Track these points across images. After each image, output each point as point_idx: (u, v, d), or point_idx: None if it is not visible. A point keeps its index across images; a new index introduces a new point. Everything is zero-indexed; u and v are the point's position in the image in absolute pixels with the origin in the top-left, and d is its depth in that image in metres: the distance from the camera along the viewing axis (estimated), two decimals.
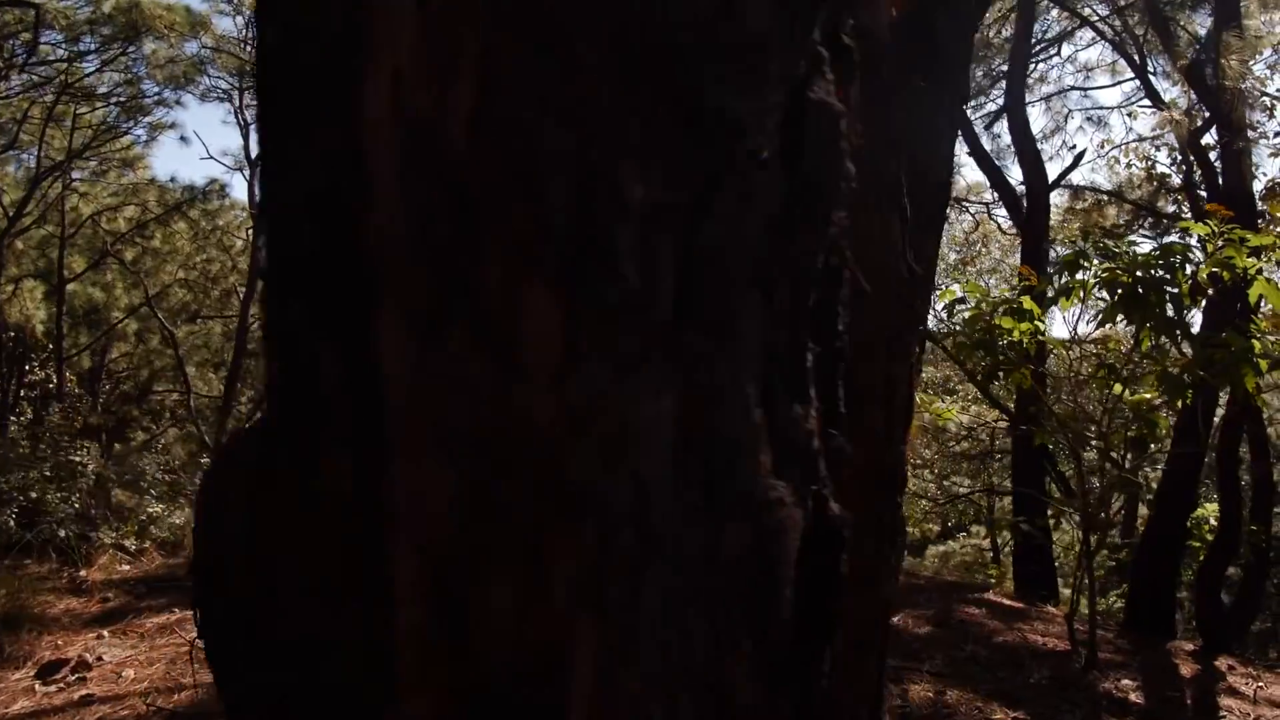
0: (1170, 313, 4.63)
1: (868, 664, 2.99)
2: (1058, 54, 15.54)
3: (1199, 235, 4.36)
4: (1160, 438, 6.52)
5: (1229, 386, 5.18)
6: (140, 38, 14.01)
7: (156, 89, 16.49)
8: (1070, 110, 16.97)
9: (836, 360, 0.87)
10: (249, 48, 18.42)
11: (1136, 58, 12.35)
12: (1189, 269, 4.41)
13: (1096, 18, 13.02)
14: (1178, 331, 4.85)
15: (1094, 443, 6.29)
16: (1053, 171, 15.82)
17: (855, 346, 2.63)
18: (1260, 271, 4.59)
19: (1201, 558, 9.55)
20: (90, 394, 23.28)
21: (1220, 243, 4.30)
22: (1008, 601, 7.51)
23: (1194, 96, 7.39)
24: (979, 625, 6.40)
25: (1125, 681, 5.40)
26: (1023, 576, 9.18)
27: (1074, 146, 24.57)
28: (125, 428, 24.93)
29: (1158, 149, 11.71)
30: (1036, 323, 5.21)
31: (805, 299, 0.74)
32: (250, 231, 19.09)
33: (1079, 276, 4.98)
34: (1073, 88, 16.63)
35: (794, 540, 0.69)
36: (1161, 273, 4.47)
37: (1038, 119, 41.63)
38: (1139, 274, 4.43)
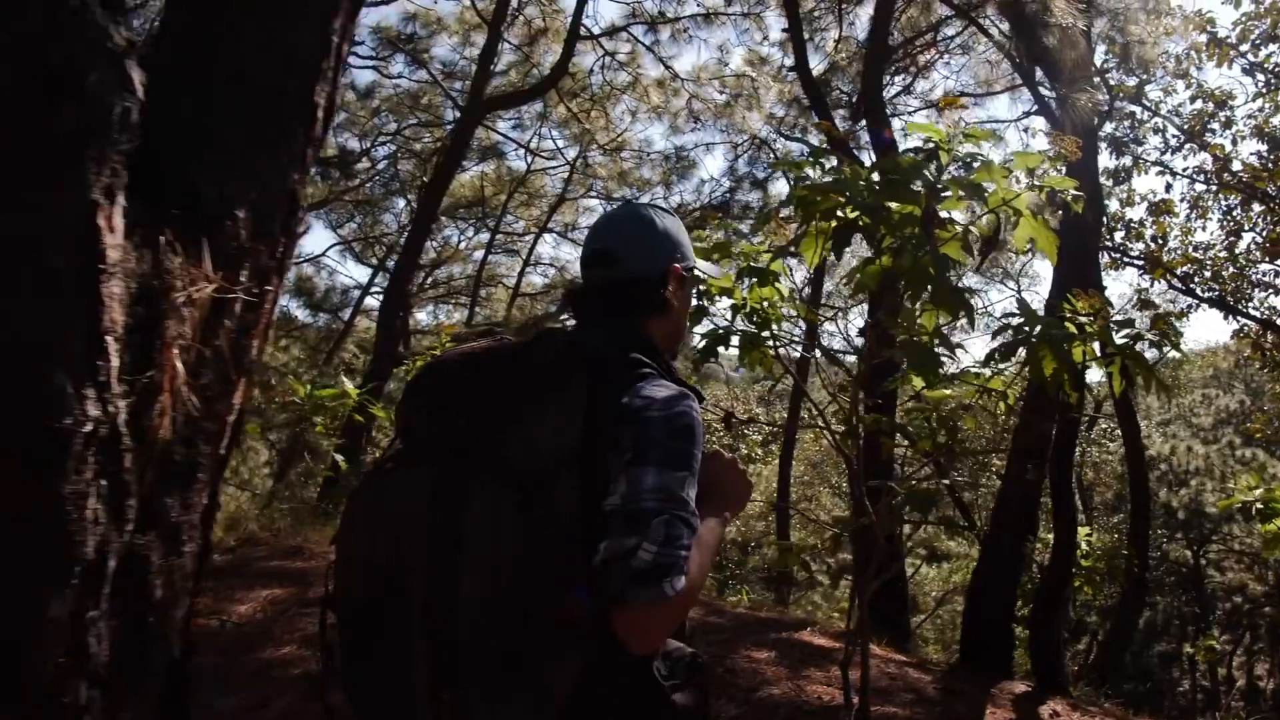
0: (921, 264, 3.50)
1: None
2: (942, 58, 14.67)
3: (929, 141, 3.22)
4: (966, 442, 5.41)
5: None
6: None
7: None
8: (966, 125, 16.09)
9: None
10: None
11: (1025, 63, 11.45)
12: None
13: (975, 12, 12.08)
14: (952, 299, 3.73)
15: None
16: None
17: None
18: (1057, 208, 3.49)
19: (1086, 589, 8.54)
20: None
21: (962, 152, 3.17)
22: (821, 642, 6.32)
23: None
24: (751, 674, 5.20)
25: None
26: (874, 613, 8.03)
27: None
28: None
29: (1059, 169, 10.80)
30: (779, 286, 4.05)
31: None
32: None
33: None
34: (963, 94, 15.79)
35: None
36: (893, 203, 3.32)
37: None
38: (864, 199, 3.27)
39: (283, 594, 5.34)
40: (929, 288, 3.64)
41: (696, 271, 1.78)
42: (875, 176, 3.39)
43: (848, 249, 3.69)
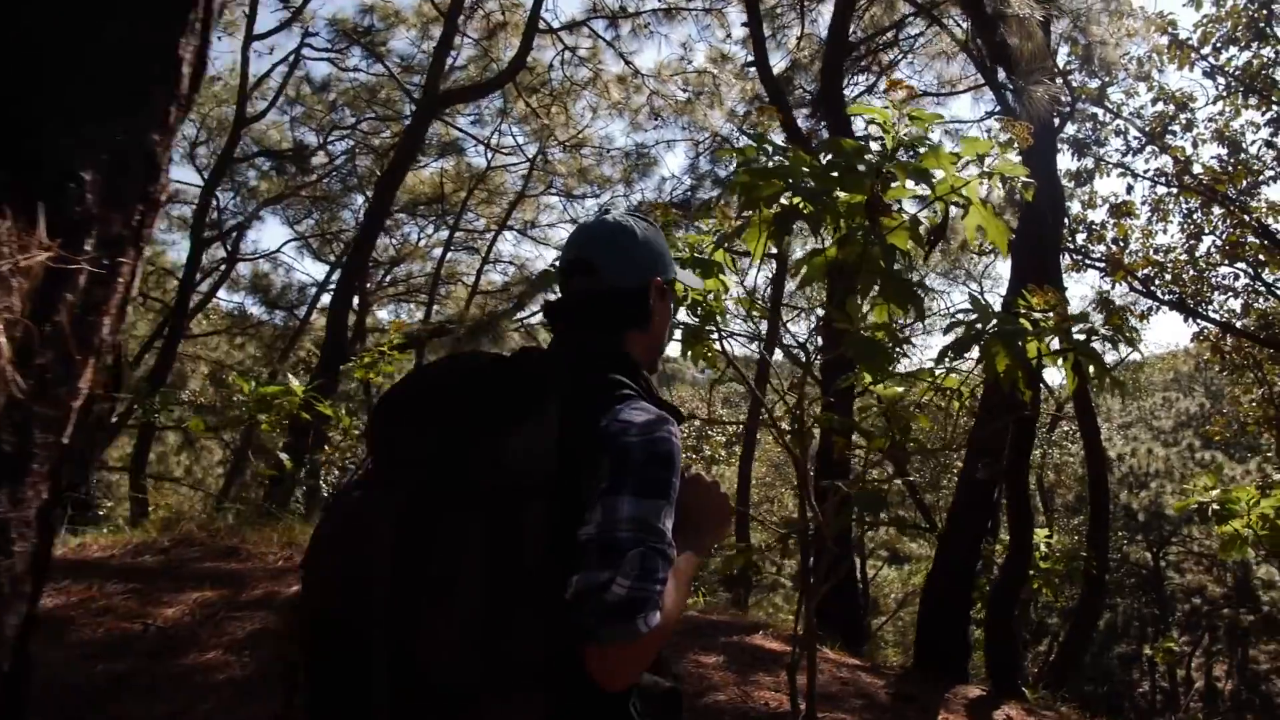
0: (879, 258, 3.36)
1: None
2: (905, 58, 14.58)
3: (873, 123, 3.09)
4: (925, 442, 5.30)
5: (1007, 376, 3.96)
6: None
7: None
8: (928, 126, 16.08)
9: None
10: None
11: (987, 60, 11.38)
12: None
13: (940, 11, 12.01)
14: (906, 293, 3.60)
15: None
16: None
17: None
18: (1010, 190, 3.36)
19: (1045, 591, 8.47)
20: None
21: (904, 133, 3.04)
22: (773, 645, 6.19)
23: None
24: (698, 680, 5.06)
25: None
26: (827, 616, 7.93)
27: None
28: None
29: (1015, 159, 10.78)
30: (724, 278, 3.91)
31: None
32: None
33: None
34: (926, 93, 15.75)
35: None
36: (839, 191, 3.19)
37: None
38: (807, 185, 3.13)
39: (214, 596, 5.13)
40: (879, 281, 3.52)
41: (678, 282, 1.74)
42: (824, 161, 3.25)
43: (800, 242, 3.56)
